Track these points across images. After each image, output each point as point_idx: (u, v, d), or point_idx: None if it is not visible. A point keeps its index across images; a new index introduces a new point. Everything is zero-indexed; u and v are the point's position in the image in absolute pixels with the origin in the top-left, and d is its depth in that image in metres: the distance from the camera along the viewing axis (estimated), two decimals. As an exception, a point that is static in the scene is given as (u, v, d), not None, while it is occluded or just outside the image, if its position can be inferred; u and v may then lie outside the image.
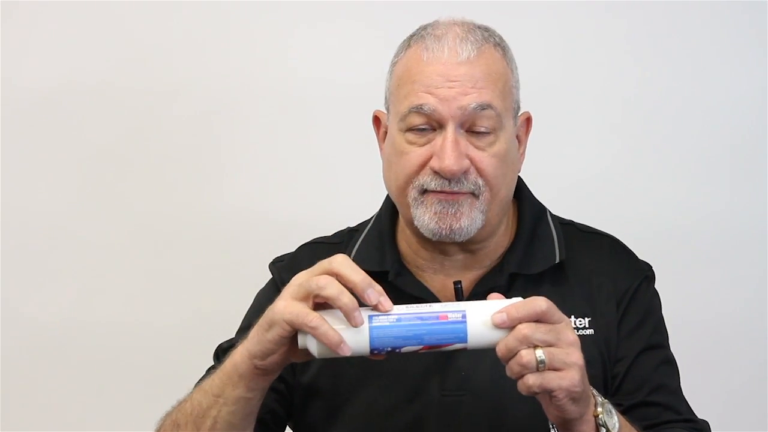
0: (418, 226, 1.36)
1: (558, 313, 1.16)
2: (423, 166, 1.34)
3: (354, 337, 1.15)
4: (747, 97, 2.10)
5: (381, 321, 1.16)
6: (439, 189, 1.33)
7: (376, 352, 1.16)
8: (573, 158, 2.11)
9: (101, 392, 2.12)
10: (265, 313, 1.19)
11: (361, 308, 1.17)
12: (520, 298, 1.18)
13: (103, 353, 2.12)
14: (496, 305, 1.17)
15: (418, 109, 1.32)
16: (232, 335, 1.55)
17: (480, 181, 1.33)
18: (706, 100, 2.10)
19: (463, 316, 1.16)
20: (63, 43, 2.11)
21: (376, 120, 1.46)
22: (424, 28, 1.39)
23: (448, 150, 1.31)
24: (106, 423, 2.12)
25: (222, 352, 1.49)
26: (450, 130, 1.31)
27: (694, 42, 2.10)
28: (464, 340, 1.16)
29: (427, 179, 1.33)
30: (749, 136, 2.10)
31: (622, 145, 2.11)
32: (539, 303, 1.15)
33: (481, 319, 1.16)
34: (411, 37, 1.39)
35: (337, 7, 2.09)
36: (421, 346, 1.16)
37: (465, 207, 1.34)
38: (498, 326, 1.14)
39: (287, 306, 1.15)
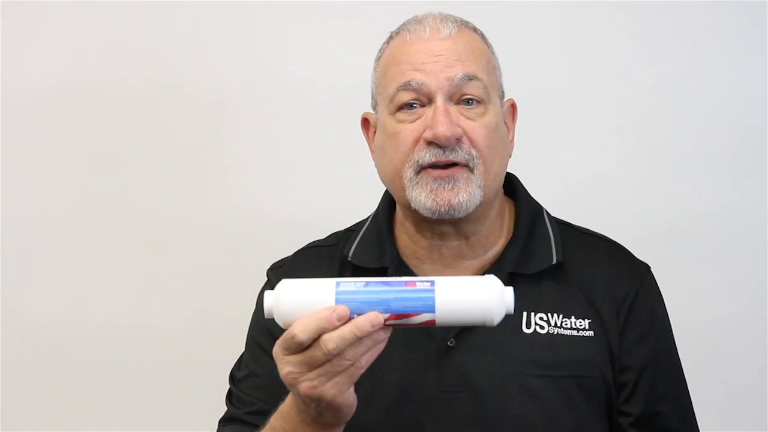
0: (416, 208, 1.35)
1: None
2: (417, 141, 1.34)
3: (320, 303, 1.15)
4: (747, 97, 2.10)
5: (348, 286, 1.16)
6: (434, 160, 1.33)
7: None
8: (572, 158, 2.11)
9: (101, 393, 2.12)
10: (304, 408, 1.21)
11: (327, 279, 1.18)
12: (494, 277, 1.18)
13: (102, 354, 2.12)
14: (467, 279, 1.18)
15: (406, 87, 1.34)
16: (232, 337, 1.55)
17: (473, 152, 1.34)
18: (706, 100, 2.10)
19: (432, 284, 1.15)
20: (63, 43, 2.11)
21: (365, 122, 1.47)
22: (405, 22, 1.42)
23: (440, 117, 1.32)
24: (106, 423, 2.12)
25: (236, 380, 1.49)
26: (440, 100, 1.33)
27: (695, 42, 2.10)
28: (431, 309, 1.15)
29: (421, 153, 1.34)
30: (749, 136, 2.10)
31: (622, 145, 2.11)
32: None
33: (450, 290, 1.15)
34: (392, 33, 1.43)
35: (337, 8, 2.09)
36: (388, 315, 1.14)
37: (462, 182, 1.34)
38: None
39: (306, 382, 1.17)
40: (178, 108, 2.11)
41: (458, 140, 1.33)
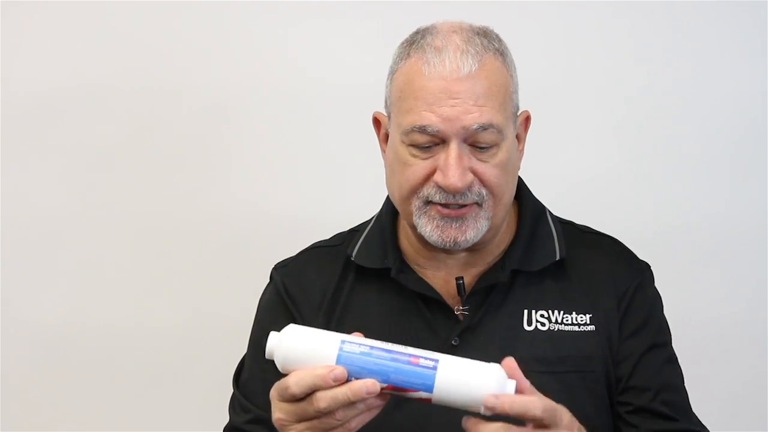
0: (421, 234, 1.37)
1: (549, 418, 1.14)
2: (427, 178, 1.35)
3: (320, 358, 1.15)
4: (747, 97, 2.10)
5: (352, 348, 1.15)
6: (443, 201, 1.34)
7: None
8: (573, 159, 2.11)
9: (102, 393, 2.12)
10: None
11: (333, 332, 1.17)
12: (498, 367, 1.16)
13: (103, 354, 2.12)
14: (470, 365, 1.16)
15: (421, 130, 1.33)
16: (234, 338, 1.55)
17: (484, 192, 1.35)
18: (706, 100, 2.10)
19: (435, 365, 1.15)
20: (63, 43, 2.11)
21: (376, 121, 1.46)
22: (423, 36, 1.38)
23: (452, 167, 1.32)
24: (106, 423, 2.12)
25: (239, 383, 1.49)
26: (453, 146, 1.32)
27: (695, 42, 2.10)
28: (430, 389, 1.14)
29: (431, 192, 1.35)
30: (749, 136, 2.10)
31: (623, 145, 2.11)
32: (535, 408, 1.14)
33: (452, 374, 1.14)
34: (410, 45, 1.38)
35: (343, 7, 2.09)
36: (385, 385, 1.14)
37: (470, 220, 1.35)
38: (487, 409, 1.13)
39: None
40: (180, 107, 2.11)
41: (469, 186, 1.34)
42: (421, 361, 1.15)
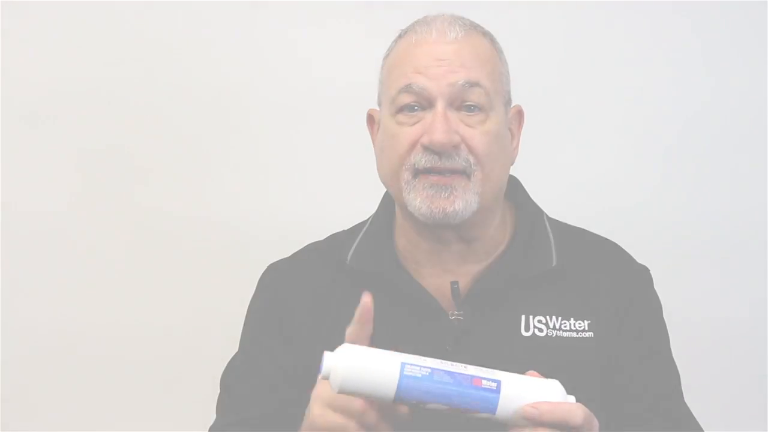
0: (412, 211, 1.35)
1: (587, 425, 1.14)
2: (414, 145, 1.34)
3: (381, 381, 1.11)
4: (747, 97, 2.10)
5: (413, 371, 1.11)
6: (430, 165, 1.33)
7: (398, 401, 1.11)
8: (572, 159, 2.11)
9: (101, 393, 2.12)
10: None
11: (394, 352, 1.14)
12: (558, 383, 1.16)
13: (103, 354, 2.12)
14: (532, 384, 1.15)
15: (407, 89, 1.34)
16: (232, 338, 1.55)
17: (471, 159, 1.33)
18: (706, 101, 2.10)
19: (498, 387, 1.12)
20: (63, 43, 2.11)
21: (371, 119, 1.46)
22: (413, 23, 1.42)
23: (438, 123, 1.31)
24: (106, 423, 2.12)
25: (225, 385, 1.49)
26: (440, 105, 1.32)
27: (694, 42, 2.10)
28: (493, 411, 1.12)
29: (418, 157, 1.33)
30: (749, 136, 2.10)
31: (622, 145, 2.11)
32: (576, 417, 1.13)
33: (514, 394, 1.12)
34: (401, 31, 1.42)
35: (339, 7, 2.09)
36: (447, 407, 1.12)
37: (459, 190, 1.33)
38: (528, 419, 1.11)
39: None
40: (178, 108, 2.11)
41: (455, 147, 1.32)
42: (484, 383, 1.12)
